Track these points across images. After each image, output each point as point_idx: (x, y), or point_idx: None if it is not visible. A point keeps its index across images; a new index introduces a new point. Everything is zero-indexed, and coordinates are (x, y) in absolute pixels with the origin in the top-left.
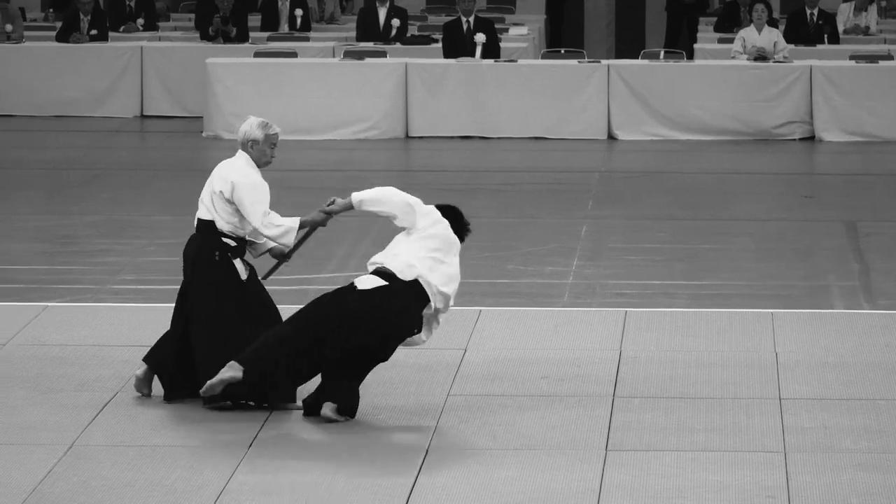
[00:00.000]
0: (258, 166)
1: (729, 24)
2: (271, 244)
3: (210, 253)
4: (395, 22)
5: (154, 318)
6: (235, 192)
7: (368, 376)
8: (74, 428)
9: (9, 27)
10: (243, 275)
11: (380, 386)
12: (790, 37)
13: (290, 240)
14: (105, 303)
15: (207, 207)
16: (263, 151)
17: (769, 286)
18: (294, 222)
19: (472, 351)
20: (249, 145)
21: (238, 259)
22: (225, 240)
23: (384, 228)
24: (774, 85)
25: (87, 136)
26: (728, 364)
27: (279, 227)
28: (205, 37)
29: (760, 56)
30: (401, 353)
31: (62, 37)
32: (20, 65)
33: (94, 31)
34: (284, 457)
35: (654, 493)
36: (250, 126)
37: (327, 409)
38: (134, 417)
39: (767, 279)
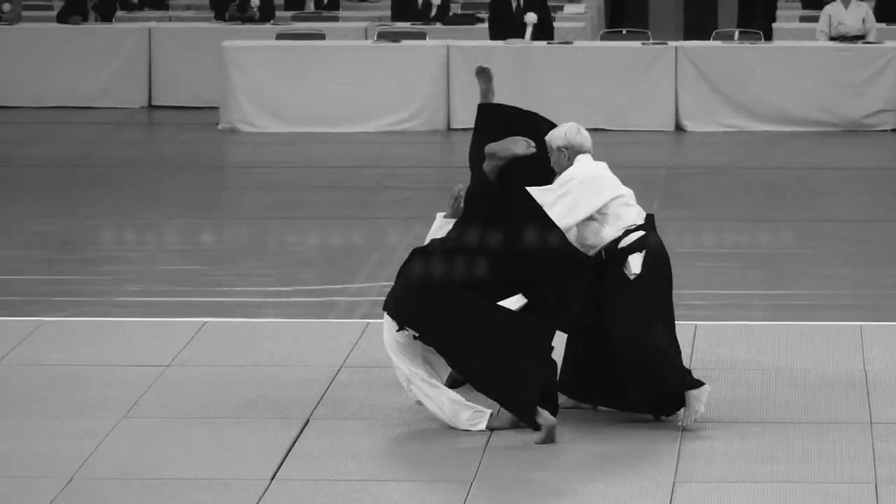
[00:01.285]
0: None
1: None
2: None
3: None
4: None
5: (163, 334)
6: None
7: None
8: (75, 458)
9: (6, 6)
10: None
11: None
12: (880, 14)
13: None
14: (109, 317)
15: None
16: None
17: (858, 295)
18: None
19: None
20: None
21: None
22: None
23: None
24: (863, 69)
25: (91, 129)
26: (810, 384)
27: None
28: (220, 17)
29: (846, 36)
30: None
31: (63, 18)
32: (16, 49)
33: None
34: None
35: None
36: None
37: None
38: (141, 447)
39: (856, 288)
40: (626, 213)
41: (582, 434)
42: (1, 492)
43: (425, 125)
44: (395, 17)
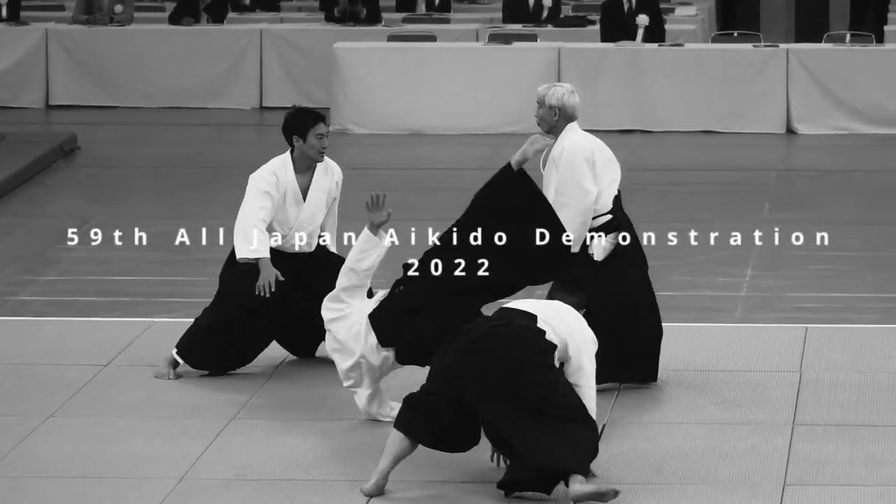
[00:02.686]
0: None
1: None
2: None
3: None
4: (547, 1)
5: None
6: None
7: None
8: (185, 459)
9: (118, 8)
10: None
11: None
12: None
13: None
14: None
15: None
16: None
17: None
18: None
19: None
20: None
21: None
22: None
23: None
24: None
25: (203, 129)
26: None
27: None
28: (331, 18)
29: None
30: None
31: (175, 19)
32: (128, 50)
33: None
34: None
35: None
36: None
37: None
38: (252, 448)
39: None
40: None
41: (685, 434)
42: (112, 491)
43: (535, 127)
44: (507, 18)
